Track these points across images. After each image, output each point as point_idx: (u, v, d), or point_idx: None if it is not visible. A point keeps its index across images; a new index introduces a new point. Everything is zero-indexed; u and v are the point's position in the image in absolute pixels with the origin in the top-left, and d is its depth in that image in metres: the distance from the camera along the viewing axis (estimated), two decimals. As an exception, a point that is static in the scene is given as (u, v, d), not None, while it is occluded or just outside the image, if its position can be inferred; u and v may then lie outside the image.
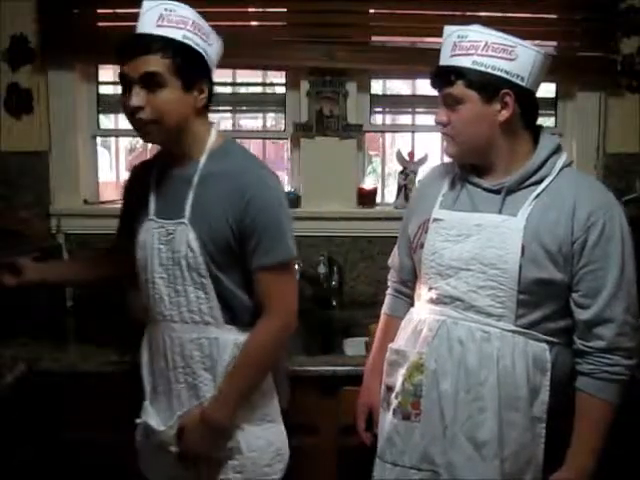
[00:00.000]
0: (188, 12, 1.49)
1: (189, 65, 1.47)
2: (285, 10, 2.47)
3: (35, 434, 1.87)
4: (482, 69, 1.39)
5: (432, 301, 1.50)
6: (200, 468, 1.58)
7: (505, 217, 1.42)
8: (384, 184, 2.80)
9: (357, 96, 2.54)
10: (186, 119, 1.50)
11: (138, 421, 1.63)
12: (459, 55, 1.41)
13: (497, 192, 1.45)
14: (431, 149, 2.69)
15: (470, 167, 1.51)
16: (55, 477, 1.89)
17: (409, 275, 1.66)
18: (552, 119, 2.66)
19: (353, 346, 2.25)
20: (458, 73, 1.40)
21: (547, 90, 2.67)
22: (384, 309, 1.77)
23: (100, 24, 2.48)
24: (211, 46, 1.53)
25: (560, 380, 1.43)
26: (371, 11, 2.50)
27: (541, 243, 1.39)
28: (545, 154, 1.44)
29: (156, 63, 1.44)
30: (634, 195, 2.44)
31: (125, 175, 3.11)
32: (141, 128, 1.50)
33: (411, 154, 2.62)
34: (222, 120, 3.15)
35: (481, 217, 1.45)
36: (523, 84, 1.40)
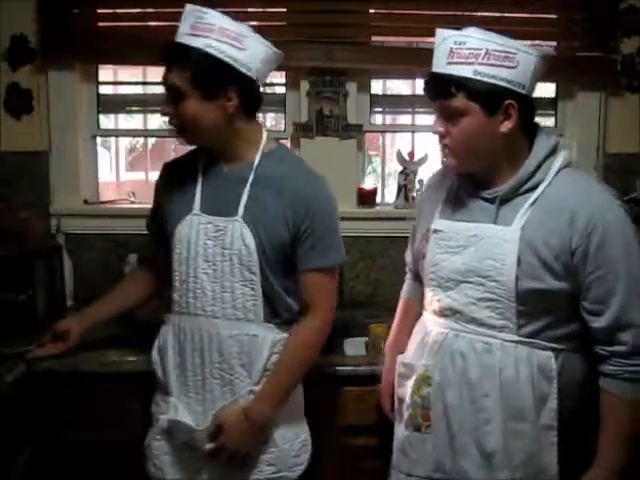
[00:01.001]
0: (216, 19, 1.51)
1: (208, 75, 1.48)
2: (285, 10, 2.47)
3: (35, 434, 1.87)
4: (485, 79, 1.32)
5: (436, 313, 1.51)
6: (233, 465, 1.58)
7: (500, 227, 1.39)
8: (384, 184, 2.80)
9: (357, 96, 2.54)
10: (218, 125, 1.53)
11: (163, 417, 1.61)
12: (458, 63, 1.34)
13: (492, 201, 1.42)
14: (431, 149, 2.69)
15: (468, 175, 1.48)
16: (55, 477, 1.89)
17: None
18: (552, 119, 2.66)
19: (353, 346, 2.25)
20: (459, 84, 1.34)
21: (547, 90, 2.67)
22: (402, 293, 1.80)
23: (100, 24, 2.48)
24: (244, 50, 1.51)
25: (569, 386, 1.41)
26: (371, 11, 2.50)
27: (536, 253, 1.35)
28: (538, 159, 1.39)
29: (175, 76, 1.50)
30: (634, 195, 2.44)
31: (125, 175, 3.12)
32: (176, 132, 1.58)
33: (411, 154, 2.62)
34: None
35: (477, 228, 1.42)
36: (524, 92, 1.36)
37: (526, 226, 1.36)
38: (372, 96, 2.64)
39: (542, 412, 1.40)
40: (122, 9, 2.46)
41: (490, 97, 1.33)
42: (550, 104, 2.63)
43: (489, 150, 1.39)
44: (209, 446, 1.55)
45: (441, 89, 1.37)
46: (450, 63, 1.35)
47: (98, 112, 2.64)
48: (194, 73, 1.48)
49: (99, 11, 2.48)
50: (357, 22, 2.49)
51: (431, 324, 1.52)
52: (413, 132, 2.72)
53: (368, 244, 2.57)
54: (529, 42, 2.50)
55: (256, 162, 1.57)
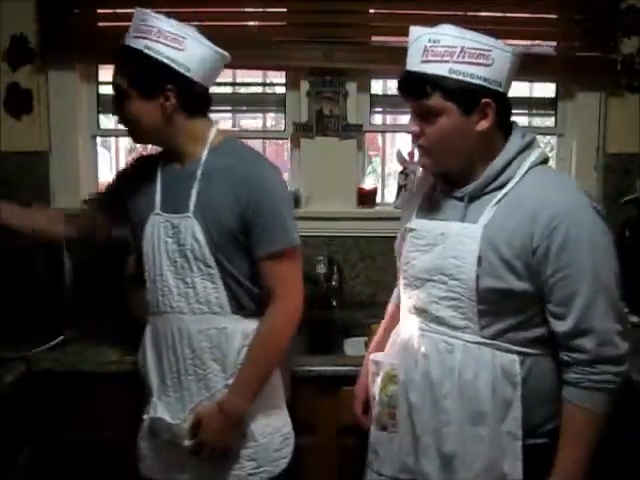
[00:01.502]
0: (157, 21, 1.53)
1: (145, 75, 1.53)
2: (285, 10, 2.47)
3: (35, 434, 1.87)
4: (460, 78, 1.29)
5: (408, 311, 1.50)
6: (214, 461, 1.59)
7: (465, 225, 1.36)
8: (384, 184, 2.80)
9: (357, 96, 2.54)
10: (157, 124, 1.56)
11: (145, 417, 1.64)
12: (433, 62, 1.31)
13: (463, 199, 1.40)
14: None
15: (443, 174, 1.45)
16: (55, 477, 1.89)
17: None
18: (552, 119, 2.65)
19: (353, 346, 2.25)
20: (434, 83, 1.30)
21: (547, 90, 2.67)
22: (392, 298, 1.78)
23: (100, 24, 2.48)
24: (182, 51, 1.52)
25: (537, 394, 1.35)
26: (371, 11, 2.50)
27: (497, 252, 1.31)
28: (507, 156, 1.35)
29: (118, 77, 1.56)
30: (634, 195, 2.44)
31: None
32: (127, 132, 1.64)
33: (411, 154, 2.61)
34: (222, 120, 3.16)
35: (446, 226, 1.40)
36: (500, 89, 1.33)
37: (489, 224, 1.33)
38: (372, 96, 2.64)
39: (506, 418, 1.34)
40: (122, 9, 2.46)
41: (466, 96, 1.31)
42: (550, 104, 2.63)
43: (464, 149, 1.36)
44: (189, 443, 1.56)
45: (416, 88, 1.34)
46: (425, 61, 1.32)
47: (98, 112, 2.64)
48: (132, 73, 1.53)
49: (99, 11, 2.48)
50: (357, 22, 2.49)
51: (403, 323, 1.52)
52: (413, 132, 2.71)
53: (368, 244, 2.57)
54: (529, 42, 2.51)
55: (203, 157, 1.58)
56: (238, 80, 2.70)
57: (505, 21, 2.45)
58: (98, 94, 2.63)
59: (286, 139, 2.66)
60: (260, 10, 2.50)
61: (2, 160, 2.47)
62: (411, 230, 1.47)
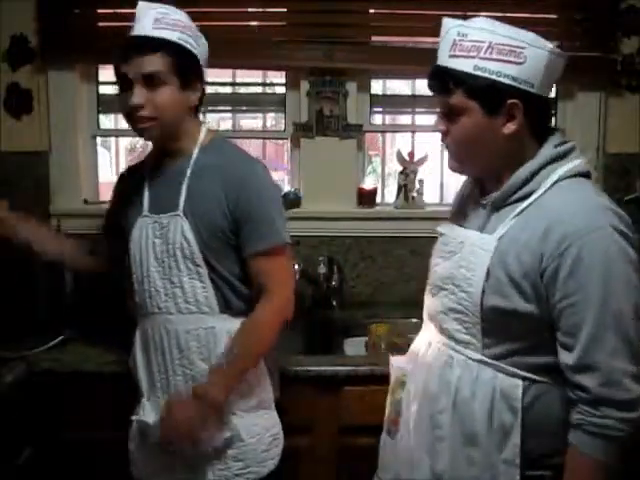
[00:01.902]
0: (181, 16, 1.58)
1: (185, 65, 1.54)
2: (285, 10, 2.47)
3: (35, 434, 1.87)
4: (485, 75, 1.20)
5: (425, 318, 1.46)
6: (198, 460, 1.58)
7: (482, 236, 1.28)
8: (384, 184, 2.80)
9: (357, 96, 2.54)
10: (181, 116, 1.57)
11: (134, 418, 1.64)
12: (459, 56, 1.23)
13: (486, 207, 1.33)
14: (431, 149, 2.69)
15: (478, 179, 1.38)
16: (55, 477, 1.89)
17: None
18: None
19: (353, 346, 2.25)
20: (457, 80, 1.23)
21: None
22: None
23: (100, 24, 2.48)
24: (200, 48, 1.59)
25: (543, 424, 1.25)
26: (371, 11, 2.49)
27: (506, 268, 1.22)
28: (535, 166, 1.25)
29: (156, 62, 1.50)
30: (634, 195, 2.44)
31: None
32: (140, 125, 1.55)
33: (411, 154, 2.62)
34: (222, 120, 3.16)
35: (465, 234, 1.33)
36: (533, 91, 1.21)
37: (504, 237, 1.24)
38: (372, 96, 2.64)
39: (504, 446, 1.25)
40: (122, 9, 2.46)
41: (491, 95, 1.21)
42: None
43: (489, 153, 1.27)
44: (159, 433, 1.54)
45: (440, 84, 1.27)
46: (452, 56, 1.24)
47: (98, 112, 2.64)
48: (177, 61, 1.52)
49: (99, 11, 2.48)
50: (357, 22, 2.49)
51: (422, 330, 1.48)
52: (413, 132, 2.72)
53: (368, 244, 2.57)
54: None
55: (194, 155, 1.59)
56: (238, 80, 2.70)
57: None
58: (98, 94, 2.63)
59: (286, 139, 2.66)
60: (260, 10, 2.50)
61: (2, 160, 2.47)
62: (440, 234, 1.42)
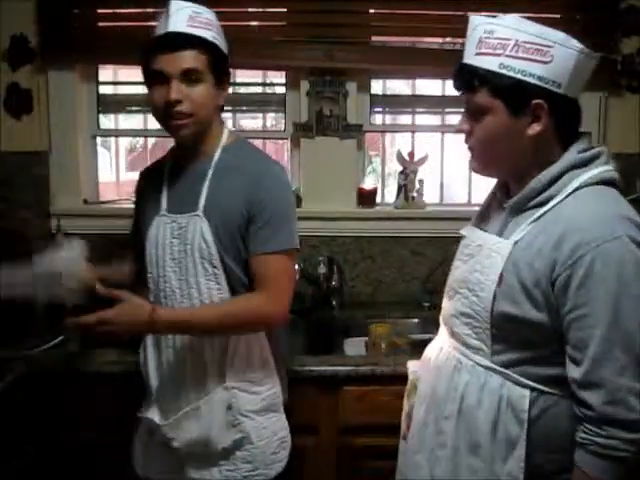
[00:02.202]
0: (212, 16, 1.58)
1: (219, 64, 1.56)
2: (285, 10, 2.47)
3: (35, 434, 1.87)
4: (510, 74, 1.17)
5: (440, 320, 1.44)
6: (207, 460, 1.58)
7: (499, 240, 1.25)
8: (384, 184, 2.80)
9: (357, 96, 2.54)
10: (212, 115, 1.58)
11: (141, 415, 1.64)
12: (485, 54, 1.19)
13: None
14: (431, 149, 2.69)
15: (503, 182, 1.34)
16: (55, 477, 1.89)
17: None
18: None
19: (353, 346, 2.25)
20: (482, 78, 1.19)
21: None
22: None
23: (100, 24, 2.48)
24: (226, 48, 1.61)
25: (550, 437, 1.20)
26: (371, 11, 2.49)
27: (518, 275, 1.18)
28: (556, 171, 1.21)
29: (195, 59, 1.51)
30: (635, 196, 2.43)
31: (125, 175, 3.11)
32: (176, 122, 1.52)
33: (411, 154, 2.62)
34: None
35: (484, 237, 1.30)
36: (559, 91, 1.18)
37: (519, 242, 1.21)
38: (372, 96, 2.64)
39: (508, 458, 1.21)
40: (122, 9, 2.46)
41: (515, 94, 1.17)
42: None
43: (512, 154, 1.23)
44: (176, 444, 1.55)
45: (465, 82, 1.23)
46: (478, 54, 1.20)
47: (98, 112, 2.64)
48: (213, 59, 1.54)
49: (99, 11, 2.48)
50: (357, 22, 2.48)
51: (439, 332, 1.45)
52: (413, 132, 2.72)
53: (368, 244, 2.57)
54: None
55: (217, 156, 1.59)
56: (238, 80, 2.70)
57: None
58: (98, 94, 2.63)
59: (286, 139, 2.66)
60: (260, 10, 2.50)
61: (2, 160, 2.47)
62: (462, 237, 1.39)
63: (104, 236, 2.51)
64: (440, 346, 1.38)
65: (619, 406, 1.11)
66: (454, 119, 2.69)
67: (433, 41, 2.57)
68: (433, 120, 2.75)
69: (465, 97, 1.25)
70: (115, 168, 2.86)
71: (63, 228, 2.48)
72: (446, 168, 2.69)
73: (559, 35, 1.18)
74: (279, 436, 1.64)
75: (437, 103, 2.68)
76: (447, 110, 2.67)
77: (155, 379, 1.63)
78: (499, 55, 1.17)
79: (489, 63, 1.18)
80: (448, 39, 2.51)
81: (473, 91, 1.21)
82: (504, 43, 1.17)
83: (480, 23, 1.21)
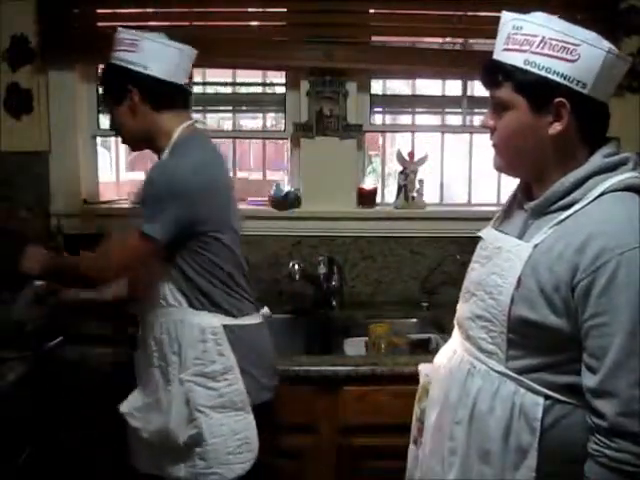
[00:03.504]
0: (117, 34, 1.68)
1: (111, 82, 1.70)
2: (285, 10, 2.47)
3: (35, 434, 1.87)
4: (535, 70, 1.14)
5: (455, 323, 1.41)
6: (173, 454, 1.62)
7: (519, 242, 1.22)
8: (384, 184, 2.80)
9: (357, 96, 2.54)
10: (132, 125, 1.67)
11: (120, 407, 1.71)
12: (511, 50, 1.17)
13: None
14: (431, 149, 2.69)
15: (525, 183, 1.31)
16: (55, 477, 1.89)
17: None
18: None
19: (353, 346, 2.25)
20: (506, 73, 1.17)
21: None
22: None
23: (100, 24, 2.48)
24: (136, 53, 1.64)
25: (564, 447, 1.17)
26: (371, 11, 2.49)
27: (537, 278, 1.15)
28: (580, 175, 1.17)
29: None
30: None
31: (125, 175, 3.12)
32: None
33: (411, 154, 2.62)
34: (222, 120, 3.16)
35: (503, 239, 1.27)
36: (584, 91, 1.14)
37: (540, 246, 1.17)
38: (372, 96, 2.64)
39: (520, 466, 1.18)
40: (122, 9, 2.46)
41: (538, 91, 1.15)
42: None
43: (533, 153, 1.21)
44: (145, 434, 1.64)
45: (490, 77, 1.21)
46: (505, 50, 1.19)
47: (98, 112, 2.64)
48: (105, 83, 1.72)
49: (99, 11, 2.48)
50: (357, 22, 2.48)
51: (452, 335, 1.42)
52: (413, 132, 2.72)
53: (368, 244, 2.57)
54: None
55: (164, 156, 1.65)
56: (238, 80, 2.70)
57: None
58: (98, 94, 2.63)
59: (286, 139, 2.66)
60: (260, 10, 2.50)
61: (2, 160, 2.47)
62: (481, 239, 1.36)
63: (104, 236, 2.52)
64: (453, 349, 1.35)
65: (633, 418, 1.07)
66: (454, 119, 2.70)
67: (433, 41, 2.57)
68: (433, 120, 2.76)
69: (490, 93, 1.23)
70: (115, 168, 2.86)
71: (63, 228, 2.48)
72: (446, 168, 2.69)
73: (589, 34, 1.15)
74: (240, 436, 1.61)
75: (437, 103, 2.67)
76: (447, 110, 2.68)
77: (137, 372, 1.72)
78: (525, 51, 1.16)
79: (514, 59, 1.17)
80: (448, 39, 2.51)
81: (497, 86, 1.20)
82: (531, 39, 1.15)
83: (510, 19, 1.19)
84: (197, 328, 1.60)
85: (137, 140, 1.72)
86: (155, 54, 1.64)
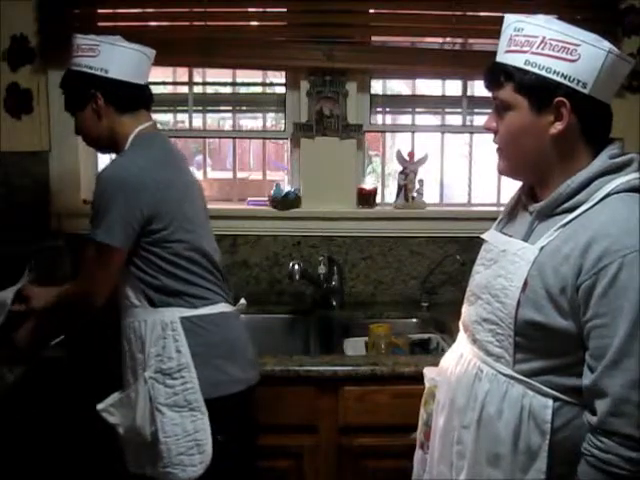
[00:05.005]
0: (75, 39, 1.71)
1: (74, 88, 1.72)
2: (285, 10, 2.47)
3: (35, 434, 1.87)
4: (535, 70, 1.16)
5: (460, 326, 1.41)
6: (143, 451, 1.65)
7: (524, 245, 1.22)
8: (384, 184, 2.80)
9: (357, 96, 2.54)
10: (98, 128, 1.72)
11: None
12: (512, 52, 1.19)
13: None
14: (431, 149, 2.69)
15: (528, 185, 1.31)
16: (55, 477, 1.89)
17: None
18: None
19: (353, 346, 2.25)
20: (508, 74, 1.19)
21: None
22: None
23: (100, 24, 2.48)
24: (97, 56, 1.68)
25: (571, 450, 1.15)
26: (371, 11, 2.49)
27: (544, 281, 1.15)
28: (585, 176, 1.17)
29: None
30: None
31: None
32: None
33: (411, 154, 2.62)
34: (222, 120, 3.16)
35: (508, 242, 1.27)
36: (585, 91, 1.15)
37: (546, 248, 1.17)
38: (372, 96, 2.64)
39: (529, 469, 1.18)
40: (122, 9, 2.46)
41: (538, 91, 1.16)
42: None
43: (535, 154, 1.21)
44: (121, 430, 1.68)
45: (492, 79, 1.23)
46: (507, 51, 1.20)
47: (98, 112, 2.64)
48: (66, 92, 1.76)
49: (99, 11, 2.48)
50: (357, 22, 2.49)
51: (457, 340, 1.42)
52: (413, 132, 2.71)
53: (368, 244, 2.57)
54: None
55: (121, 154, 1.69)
56: (238, 80, 2.70)
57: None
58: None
59: (286, 139, 2.66)
60: (260, 10, 2.50)
61: (2, 160, 2.47)
62: (484, 241, 1.37)
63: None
64: (460, 353, 1.34)
65: (623, 419, 1.07)
66: (454, 119, 2.70)
67: (433, 41, 2.57)
68: (433, 120, 2.76)
69: (492, 95, 1.24)
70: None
71: (63, 228, 2.48)
72: (446, 168, 2.69)
73: (589, 35, 1.16)
74: (193, 437, 1.59)
75: (437, 103, 2.68)
76: (447, 110, 2.68)
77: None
78: (525, 52, 1.17)
79: (515, 60, 1.18)
80: (448, 39, 2.51)
81: (499, 87, 1.21)
82: (531, 40, 1.17)
83: (512, 22, 1.21)
84: (159, 325, 1.62)
85: (102, 142, 1.76)
86: (114, 57, 1.68)
